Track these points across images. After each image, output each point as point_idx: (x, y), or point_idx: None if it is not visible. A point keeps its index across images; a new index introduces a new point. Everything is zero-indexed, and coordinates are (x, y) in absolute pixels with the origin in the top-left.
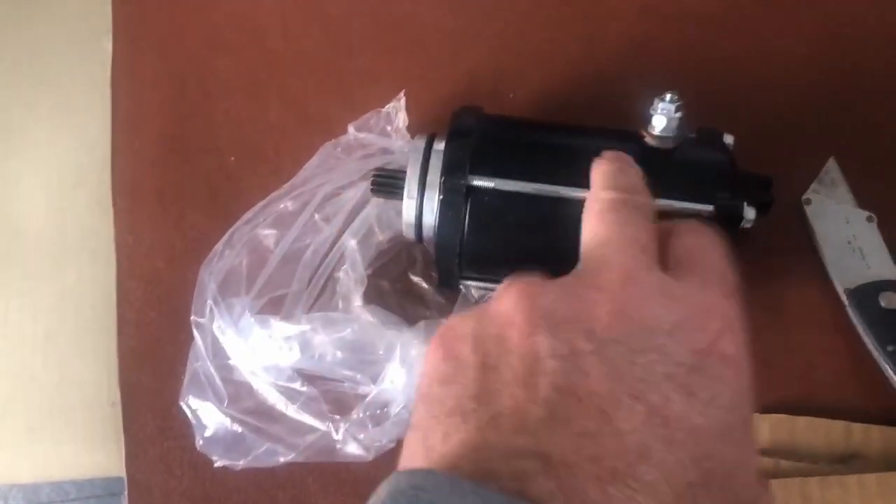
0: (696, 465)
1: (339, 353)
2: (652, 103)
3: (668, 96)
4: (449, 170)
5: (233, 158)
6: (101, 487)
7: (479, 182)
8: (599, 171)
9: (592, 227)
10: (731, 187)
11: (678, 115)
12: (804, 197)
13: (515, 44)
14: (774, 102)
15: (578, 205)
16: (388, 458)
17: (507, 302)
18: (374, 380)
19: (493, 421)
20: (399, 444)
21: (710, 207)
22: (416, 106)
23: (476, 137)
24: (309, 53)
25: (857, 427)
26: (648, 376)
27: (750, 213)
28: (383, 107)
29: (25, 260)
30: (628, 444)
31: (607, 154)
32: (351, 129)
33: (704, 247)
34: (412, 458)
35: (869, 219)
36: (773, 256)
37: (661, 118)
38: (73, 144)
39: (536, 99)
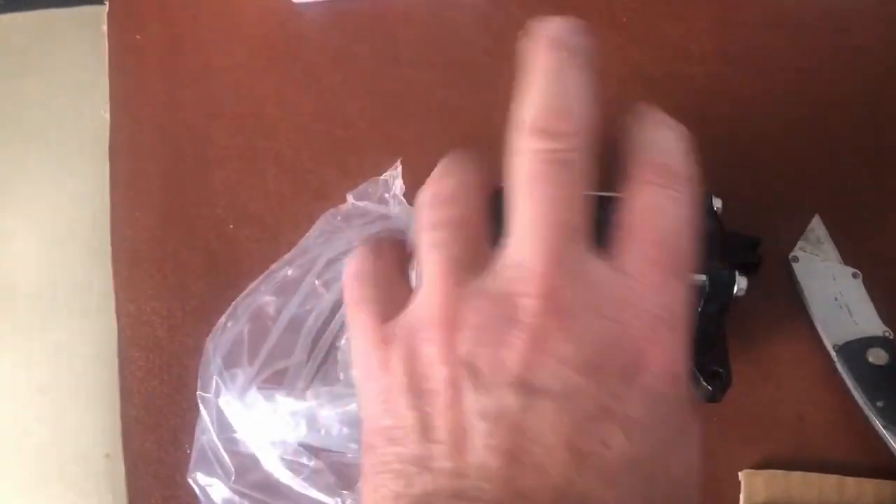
0: (638, 496)
1: (344, 429)
2: None
3: None
4: None
5: (231, 226)
6: None
7: None
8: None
9: (513, 195)
10: (722, 257)
11: None
12: (791, 255)
13: (506, 113)
14: (760, 163)
15: None
16: None
17: (430, 336)
18: None
19: (434, 484)
20: None
21: (702, 277)
22: (410, 172)
23: None
24: (305, 123)
25: (850, 481)
26: (579, 422)
27: (742, 282)
28: (378, 173)
29: (18, 314)
30: (569, 496)
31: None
32: (349, 197)
33: (654, 210)
34: None
35: (854, 275)
36: (763, 314)
37: None
38: (64, 199)
39: None
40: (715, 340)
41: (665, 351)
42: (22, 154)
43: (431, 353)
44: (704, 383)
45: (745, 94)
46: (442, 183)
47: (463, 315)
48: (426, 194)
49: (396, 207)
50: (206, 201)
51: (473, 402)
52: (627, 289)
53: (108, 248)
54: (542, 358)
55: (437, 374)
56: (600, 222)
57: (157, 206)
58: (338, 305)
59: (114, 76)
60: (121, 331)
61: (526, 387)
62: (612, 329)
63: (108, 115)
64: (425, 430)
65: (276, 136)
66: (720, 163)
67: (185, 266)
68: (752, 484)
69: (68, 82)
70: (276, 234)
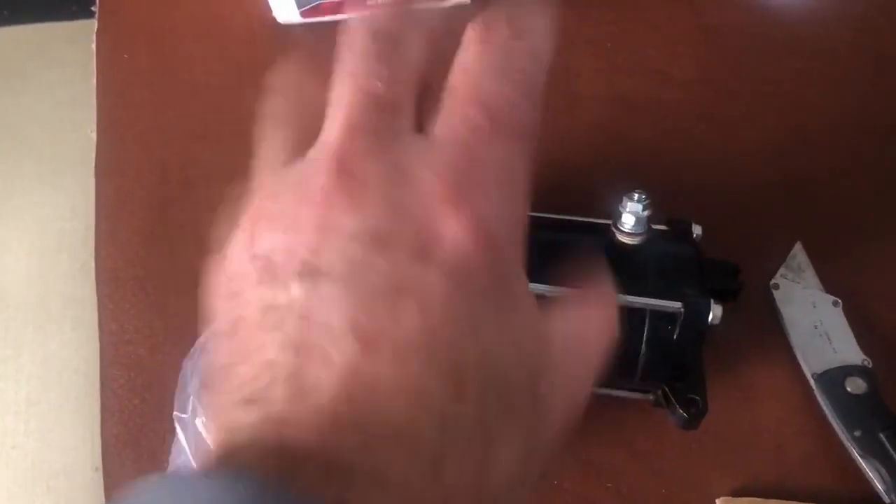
0: (442, 374)
1: None
2: (621, 201)
3: (636, 196)
4: None
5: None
6: None
7: None
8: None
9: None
10: (699, 284)
11: (646, 213)
12: (772, 282)
13: None
14: (741, 190)
15: (542, 300)
16: None
17: (238, 234)
18: None
19: (235, 392)
20: None
21: (678, 305)
22: None
23: None
24: None
25: None
26: (365, 301)
27: (717, 310)
28: None
29: (7, 326)
30: (353, 385)
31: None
32: None
33: (481, 68)
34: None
35: (835, 303)
36: (743, 340)
37: (630, 216)
38: (55, 212)
39: None
40: (691, 368)
41: (471, 217)
42: (15, 167)
43: (240, 251)
44: (681, 410)
45: (728, 120)
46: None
47: (265, 207)
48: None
49: None
50: (190, 221)
51: (267, 298)
52: (433, 153)
53: None
54: (329, 237)
55: (241, 272)
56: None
57: (141, 225)
58: None
59: (101, 95)
60: (103, 349)
61: (311, 271)
62: (406, 197)
63: (94, 135)
64: (230, 335)
65: None
66: (702, 188)
67: (167, 285)
68: None
69: (62, 97)
70: None
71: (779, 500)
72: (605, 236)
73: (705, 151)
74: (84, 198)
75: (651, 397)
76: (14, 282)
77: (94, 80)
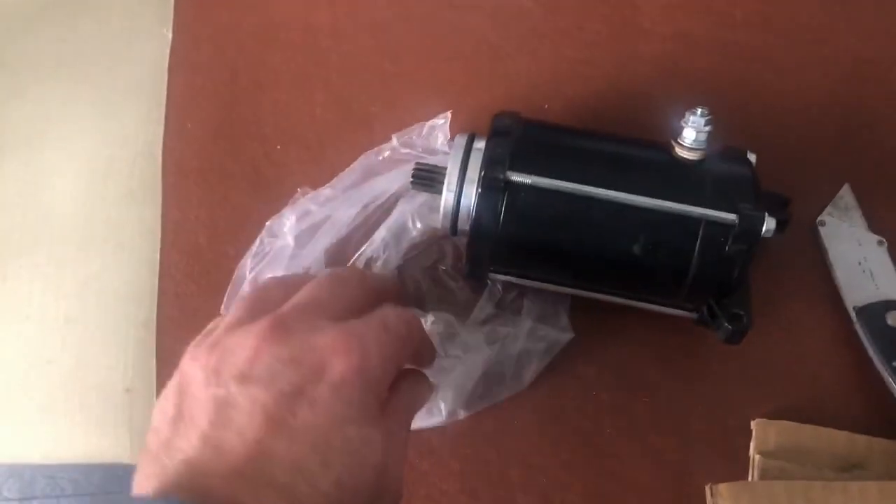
0: (316, 453)
1: None
2: (683, 116)
3: (699, 111)
4: (489, 164)
5: (278, 146)
6: (98, 486)
7: (517, 178)
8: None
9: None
10: (754, 200)
11: (707, 128)
12: (819, 219)
13: (552, 59)
14: (795, 129)
15: (610, 206)
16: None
17: (196, 356)
18: None
19: (169, 455)
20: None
21: (732, 216)
22: (454, 111)
23: (516, 137)
24: (356, 55)
25: (861, 438)
26: (277, 398)
27: (771, 223)
28: (424, 113)
29: (53, 246)
30: (257, 450)
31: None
32: (395, 139)
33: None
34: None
35: (880, 243)
36: (787, 274)
37: (691, 130)
38: (105, 139)
39: (570, 111)
40: (738, 283)
41: (345, 363)
42: (70, 94)
43: (194, 366)
44: (726, 324)
45: (785, 62)
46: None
47: (222, 338)
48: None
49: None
50: (256, 121)
51: (210, 392)
52: (340, 326)
53: (144, 191)
54: (261, 356)
55: (194, 377)
56: None
57: (208, 120)
58: (371, 231)
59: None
60: (164, 235)
61: (244, 376)
62: (313, 342)
63: (169, 34)
64: (176, 419)
65: (328, 66)
66: (758, 125)
67: (230, 179)
68: (763, 432)
69: (121, 28)
70: (319, 158)
71: (814, 426)
72: (666, 153)
73: (763, 91)
74: (135, 129)
75: (695, 315)
76: (60, 204)
77: None
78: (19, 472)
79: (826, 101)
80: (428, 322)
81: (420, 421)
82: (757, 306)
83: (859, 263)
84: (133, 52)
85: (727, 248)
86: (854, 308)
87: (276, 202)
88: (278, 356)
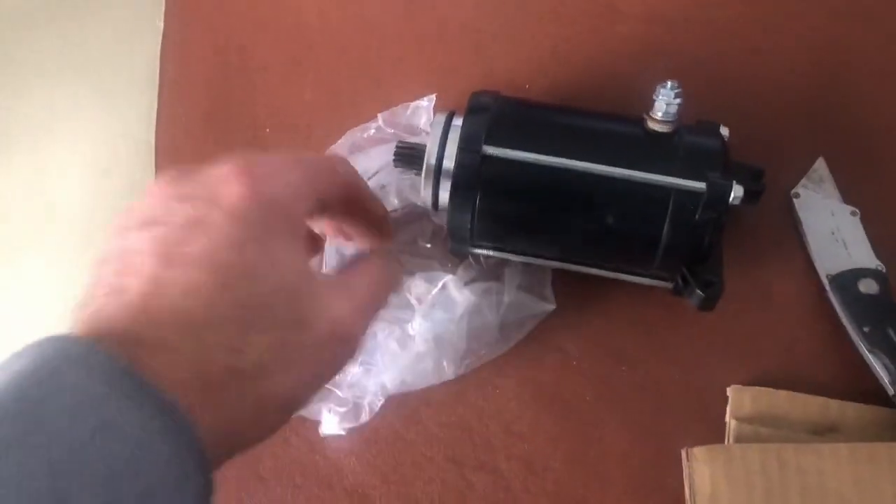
0: (216, 276)
1: None
2: (654, 90)
3: (669, 84)
4: (467, 139)
5: (268, 130)
6: None
7: (493, 152)
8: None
9: None
10: (723, 170)
11: (677, 101)
12: (793, 191)
13: (532, 40)
14: (769, 103)
15: (583, 177)
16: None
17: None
18: None
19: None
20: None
21: (701, 185)
22: (440, 94)
23: (493, 112)
24: (344, 39)
25: (834, 403)
26: (171, 233)
27: (739, 190)
28: (407, 91)
29: (56, 237)
30: (154, 284)
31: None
32: (380, 118)
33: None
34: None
35: (853, 213)
36: (762, 244)
37: (662, 103)
38: (109, 134)
39: (550, 91)
40: (710, 250)
41: (248, 183)
42: (74, 91)
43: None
44: (699, 290)
45: (761, 41)
46: None
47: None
48: None
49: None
50: (247, 105)
51: (116, 245)
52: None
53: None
54: (157, 199)
55: (107, 243)
56: None
57: (200, 107)
58: None
59: None
60: None
61: (143, 223)
62: (207, 176)
63: (161, 24)
64: (90, 286)
65: (316, 51)
66: (734, 103)
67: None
68: (739, 398)
69: (123, 23)
70: (308, 141)
71: (788, 391)
72: (639, 126)
73: (737, 66)
74: (137, 124)
75: (671, 286)
76: (65, 197)
77: None
78: None
79: (801, 79)
80: (416, 278)
81: (415, 380)
82: (733, 277)
83: (832, 233)
84: (133, 46)
85: (697, 217)
86: (827, 276)
87: None
88: (174, 195)
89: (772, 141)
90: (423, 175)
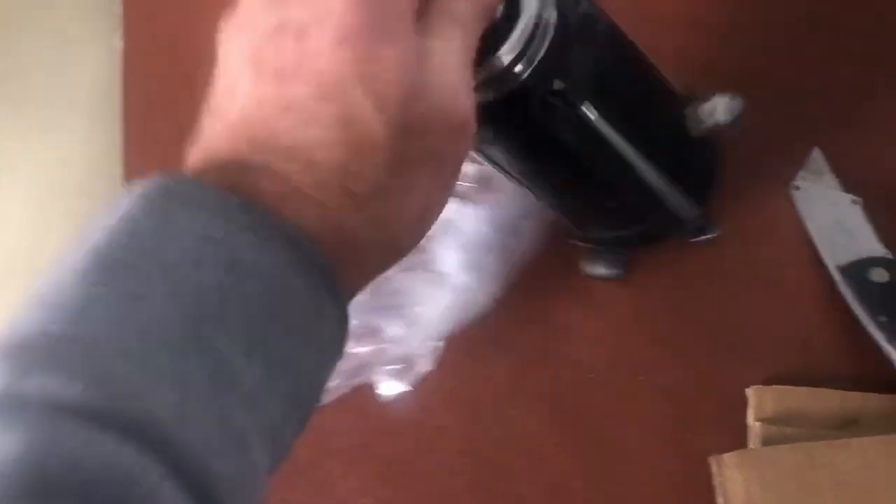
0: (321, 76)
1: None
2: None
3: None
4: None
5: None
6: None
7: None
8: None
9: None
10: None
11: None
12: (793, 184)
13: None
14: (764, 96)
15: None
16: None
17: None
18: None
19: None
20: None
21: None
22: None
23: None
24: None
25: (854, 395)
26: (264, 37)
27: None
28: None
29: None
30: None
31: None
32: None
33: None
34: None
35: (854, 202)
36: (767, 242)
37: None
38: (50, 162)
39: None
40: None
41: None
42: (10, 117)
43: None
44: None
45: (747, 31)
46: None
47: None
48: None
49: None
50: None
51: (220, 60)
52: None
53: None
54: (252, 14)
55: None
56: None
57: (169, 130)
58: None
59: (127, 5)
60: None
61: (240, 26)
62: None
63: (120, 43)
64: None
65: None
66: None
67: None
68: (760, 399)
69: (64, 38)
70: None
71: (807, 387)
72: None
73: (729, 63)
74: (79, 150)
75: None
76: (6, 231)
77: None
78: None
79: (794, 66)
80: None
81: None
82: (742, 276)
83: (837, 223)
84: (77, 64)
85: None
86: (837, 268)
87: None
88: (267, 4)
89: (767, 133)
90: None
